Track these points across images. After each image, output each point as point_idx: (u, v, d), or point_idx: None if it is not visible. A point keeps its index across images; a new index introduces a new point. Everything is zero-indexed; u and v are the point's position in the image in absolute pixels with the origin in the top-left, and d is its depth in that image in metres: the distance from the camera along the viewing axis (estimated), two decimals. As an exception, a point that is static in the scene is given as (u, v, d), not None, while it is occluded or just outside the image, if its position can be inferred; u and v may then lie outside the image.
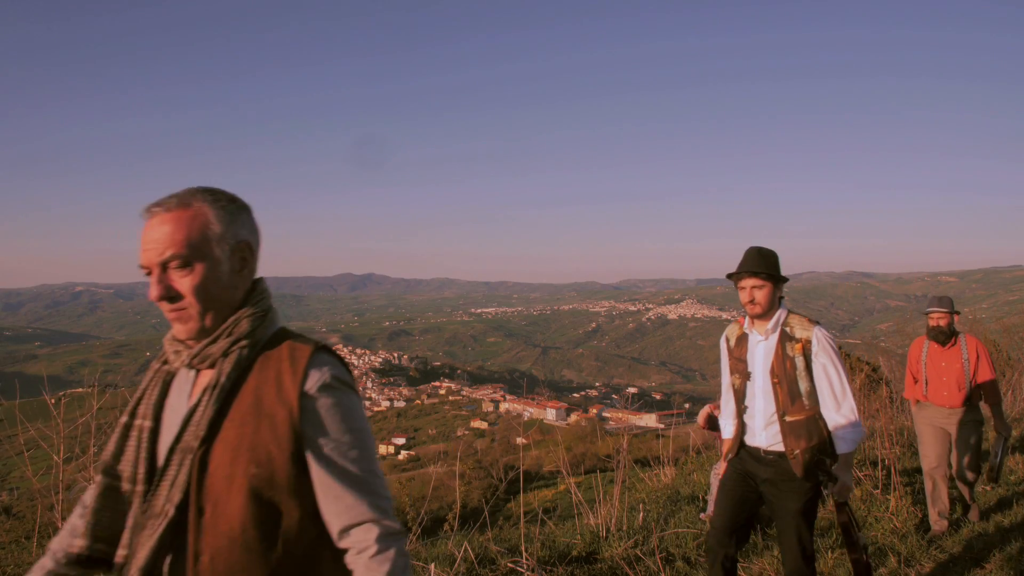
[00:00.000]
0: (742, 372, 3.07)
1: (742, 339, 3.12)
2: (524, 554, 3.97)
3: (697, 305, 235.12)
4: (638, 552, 4.16)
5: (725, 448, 3.22)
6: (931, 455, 4.77)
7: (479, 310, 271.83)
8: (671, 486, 6.87)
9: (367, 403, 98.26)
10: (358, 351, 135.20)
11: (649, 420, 53.93)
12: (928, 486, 4.80)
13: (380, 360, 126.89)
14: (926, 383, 4.86)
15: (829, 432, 2.89)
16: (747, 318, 3.09)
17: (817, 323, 2.98)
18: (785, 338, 2.95)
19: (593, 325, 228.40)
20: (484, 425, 72.38)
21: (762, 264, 2.93)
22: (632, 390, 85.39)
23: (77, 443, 3.74)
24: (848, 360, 12.43)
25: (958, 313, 4.83)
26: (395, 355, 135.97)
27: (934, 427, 4.80)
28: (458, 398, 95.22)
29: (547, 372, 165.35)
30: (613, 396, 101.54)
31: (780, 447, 2.91)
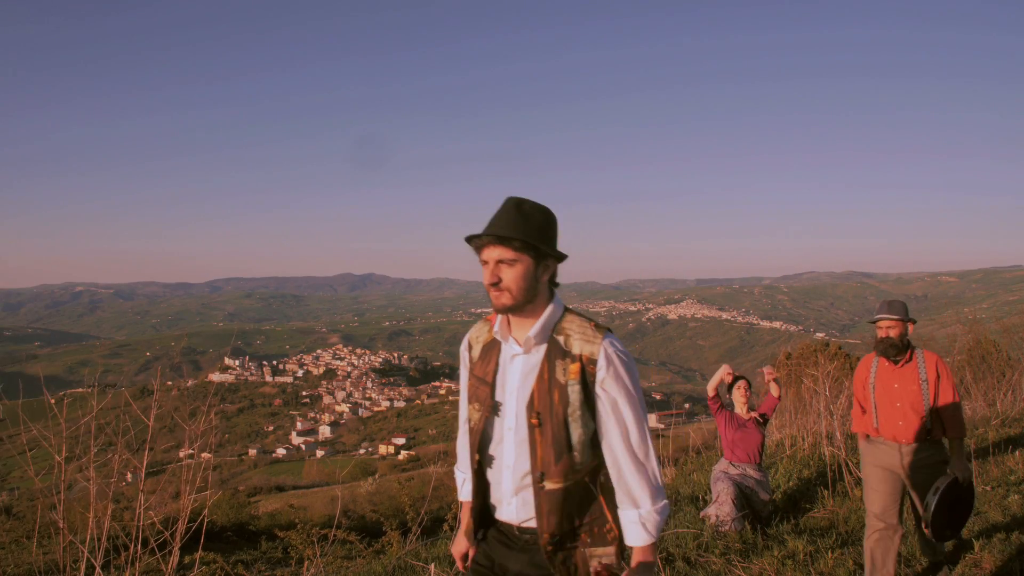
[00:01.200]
0: (484, 401, 1.88)
1: (491, 348, 1.92)
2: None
3: (697, 305, 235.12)
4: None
5: (463, 519, 2.05)
6: (876, 501, 3.74)
7: (479, 310, 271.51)
8: (671, 486, 6.87)
9: (367, 403, 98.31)
10: (358, 351, 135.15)
11: (649, 420, 53.85)
12: (867, 545, 3.73)
13: (380, 360, 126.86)
14: (875, 411, 3.81)
15: (615, 513, 1.83)
16: (499, 316, 1.88)
17: (608, 331, 1.81)
18: (555, 353, 1.79)
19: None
20: (484, 425, 72.14)
21: (517, 226, 1.74)
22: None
23: (78, 443, 3.75)
24: (848, 361, 12.43)
25: (913, 321, 3.77)
26: (395, 355, 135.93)
27: (883, 469, 3.75)
28: (458, 398, 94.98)
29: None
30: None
31: (535, 524, 1.82)
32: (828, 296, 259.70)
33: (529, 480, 1.81)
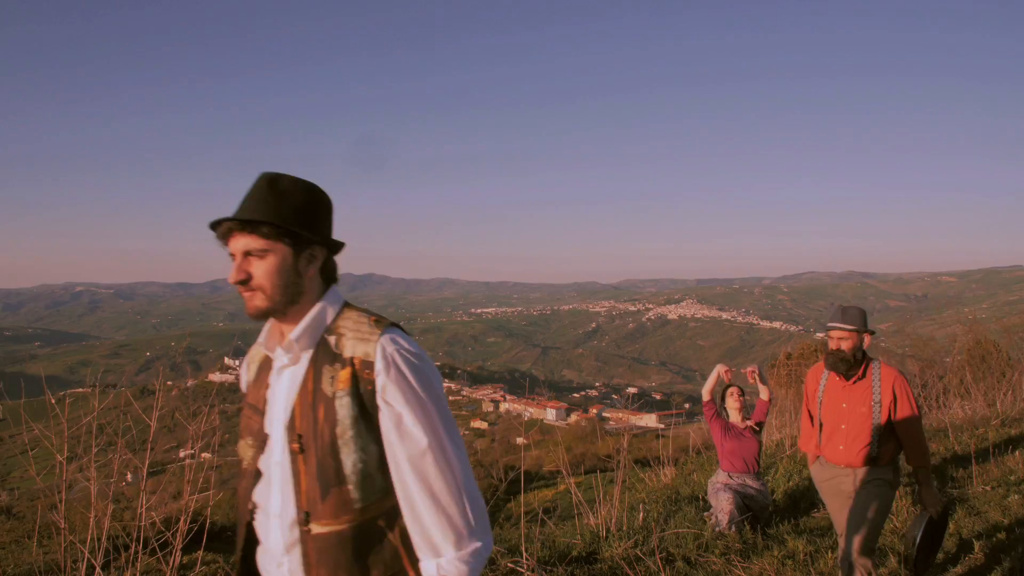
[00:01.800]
0: (257, 433, 1.47)
1: (264, 366, 1.52)
2: (524, 554, 3.97)
3: (697, 305, 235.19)
4: (638, 552, 4.17)
5: None
6: (840, 523, 3.43)
7: (479, 310, 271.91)
8: (671, 486, 6.88)
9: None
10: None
11: (649, 420, 53.94)
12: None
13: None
14: (820, 430, 3.48)
15: (415, 563, 1.37)
16: (266, 324, 1.51)
17: (392, 326, 1.40)
18: (323, 358, 1.38)
19: (593, 325, 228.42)
20: (484, 425, 72.35)
21: (268, 207, 1.37)
22: (632, 390, 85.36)
23: (79, 443, 3.75)
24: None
25: (872, 333, 3.35)
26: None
27: (834, 495, 3.43)
28: (458, 398, 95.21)
29: (547, 372, 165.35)
30: (613, 396, 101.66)
31: None
32: (828, 296, 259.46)
33: (295, 526, 1.36)
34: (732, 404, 5.18)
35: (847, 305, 3.42)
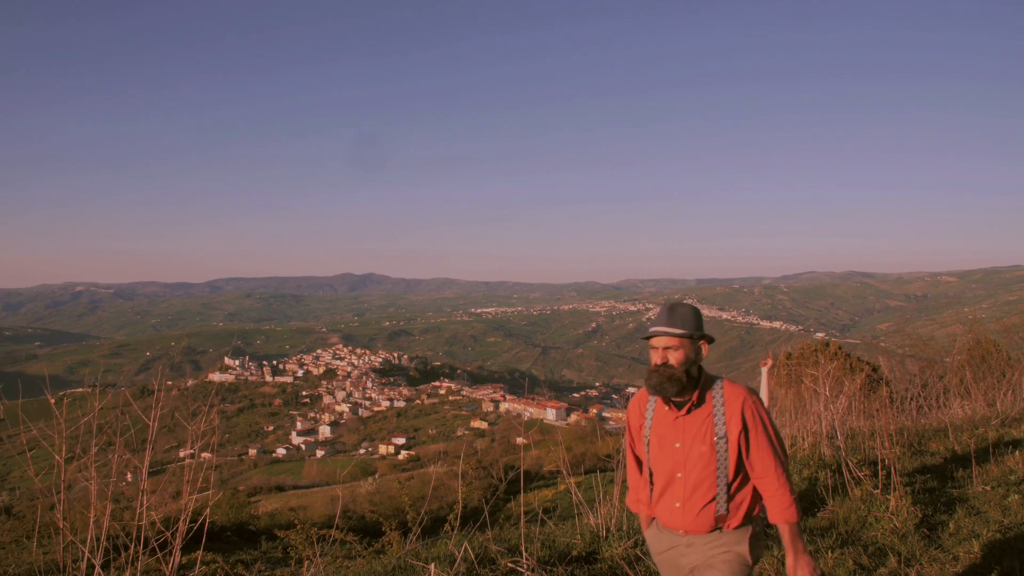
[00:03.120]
0: None
1: None
2: (524, 554, 3.97)
3: (697, 305, 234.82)
4: (638, 552, 4.17)
5: None
6: None
7: (479, 310, 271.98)
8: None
9: (367, 403, 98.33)
10: (358, 351, 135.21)
11: (649, 420, 53.91)
12: None
13: (380, 360, 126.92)
14: (651, 481, 2.51)
15: None
16: None
17: None
18: None
19: (593, 325, 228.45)
20: (484, 425, 72.45)
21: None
22: (632, 390, 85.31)
23: (78, 443, 3.75)
24: (848, 360, 12.44)
25: (709, 340, 2.45)
26: (395, 355, 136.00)
27: (681, 571, 2.48)
28: (458, 398, 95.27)
29: (547, 372, 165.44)
30: (613, 396, 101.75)
31: None
32: (828, 296, 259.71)
33: None
34: None
35: (676, 302, 2.49)
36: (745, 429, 2.36)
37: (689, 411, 2.40)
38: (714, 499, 2.37)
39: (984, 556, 4.18)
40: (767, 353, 5.27)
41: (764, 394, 5.20)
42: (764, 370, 5.27)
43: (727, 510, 2.38)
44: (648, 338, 2.41)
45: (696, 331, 2.39)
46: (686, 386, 2.36)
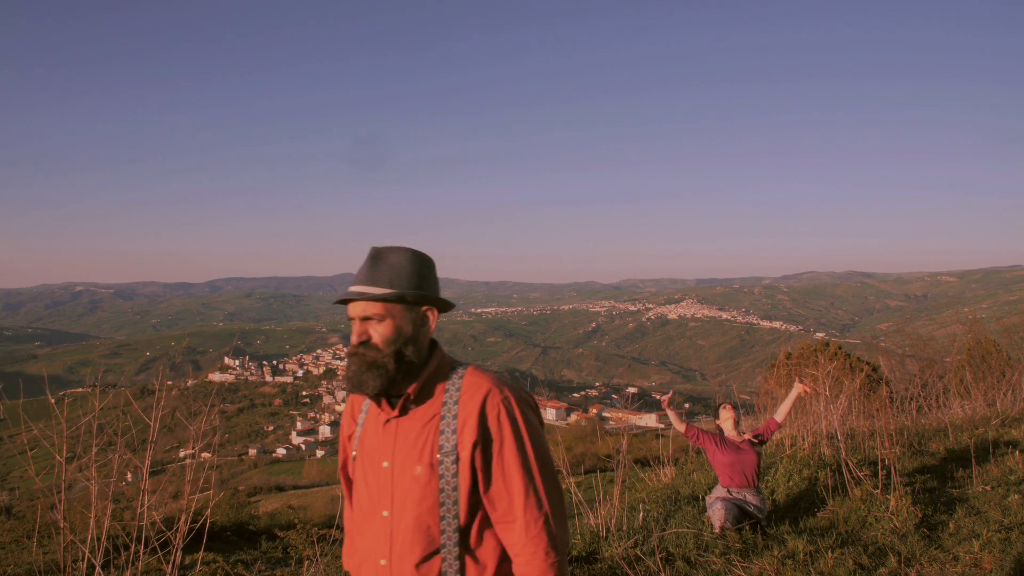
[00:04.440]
0: None
1: None
2: (524, 554, 3.97)
3: (697, 305, 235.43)
4: (638, 552, 4.17)
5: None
6: None
7: (479, 310, 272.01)
8: (671, 486, 6.88)
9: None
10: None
11: (649, 420, 54.01)
12: None
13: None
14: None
15: None
16: None
17: None
18: None
19: (593, 325, 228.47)
20: (484, 425, 72.26)
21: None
22: (632, 390, 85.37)
23: (79, 443, 3.75)
24: (848, 360, 12.44)
25: (440, 304, 1.61)
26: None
27: None
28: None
29: (547, 372, 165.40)
30: (613, 396, 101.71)
31: None
32: (828, 296, 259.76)
33: None
34: (724, 416, 5.13)
35: (386, 247, 1.56)
36: (484, 441, 1.46)
37: (404, 411, 1.53)
38: (437, 553, 1.46)
39: (984, 556, 4.18)
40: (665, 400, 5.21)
41: (782, 414, 5.17)
42: (797, 385, 5.17)
43: (460, 566, 1.47)
44: (342, 302, 1.54)
45: (412, 290, 1.50)
46: (398, 376, 1.50)
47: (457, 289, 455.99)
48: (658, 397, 5.29)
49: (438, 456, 1.49)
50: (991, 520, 4.86)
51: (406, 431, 1.54)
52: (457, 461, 1.48)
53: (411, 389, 1.54)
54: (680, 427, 5.04)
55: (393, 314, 1.52)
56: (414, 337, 1.54)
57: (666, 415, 5.37)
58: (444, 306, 1.62)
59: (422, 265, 1.57)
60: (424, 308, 1.57)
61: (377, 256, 1.55)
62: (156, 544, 3.66)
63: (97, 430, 3.74)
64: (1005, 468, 6.20)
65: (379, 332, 1.51)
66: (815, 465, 6.57)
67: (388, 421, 1.56)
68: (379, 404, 1.57)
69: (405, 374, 1.53)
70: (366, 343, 1.51)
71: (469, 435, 1.48)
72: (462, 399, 1.52)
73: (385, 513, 1.52)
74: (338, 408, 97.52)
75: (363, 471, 1.59)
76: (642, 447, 17.37)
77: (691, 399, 79.39)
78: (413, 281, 1.54)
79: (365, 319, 1.52)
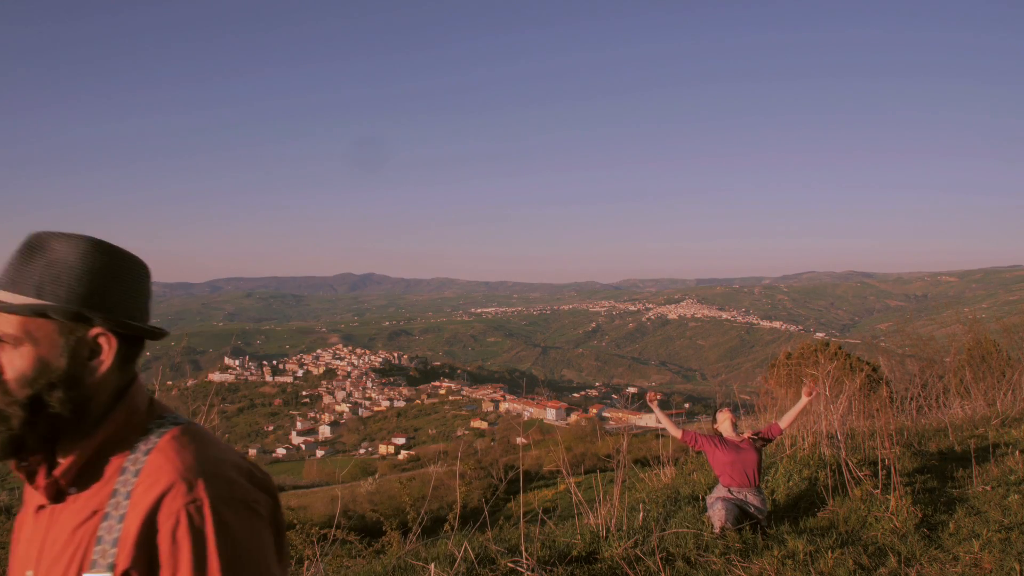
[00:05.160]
0: None
1: None
2: (524, 554, 3.97)
3: (697, 305, 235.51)
4: (638, 552, 4.17)
5: None
6: None
7: (479, 310, 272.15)
8: (671, 486, 6.88)
9: (367, 403, 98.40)
10: (358, 351, 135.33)
11: (649, 420, 53.96)
12: None
13: (380, 360, 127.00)
14: None
15: None
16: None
17: None
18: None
19: (593, 325, 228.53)
20: (484, 425, 72.51)
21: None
22: (632, 390, 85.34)
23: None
24: (848, 360, 12.44)
25: (123, 321, 1.01)
26: (395, 355, 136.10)
27: None
28: (458, 398, 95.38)
29: (547, 372, 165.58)
30: (613, 396, 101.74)
31: None
32: (828, 296, 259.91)
33: None
34: (722, 419, 5.14)
35: (51, 232, 1.01)
36: (145, 570, 0.92)
37: (59, 496, 0.99)
38: None
39: (984, 556, 4.18)
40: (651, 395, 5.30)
41: (787, 421, 5.20)
42: (805, 398, 5.19)
43: None
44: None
45: (72, 302, 0.98)
46: (30, 439, 0.97)
47: (457, 289, 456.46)
48: (648, 398, 5.31)
49: (85, 572, 0.92)
50: (991, 520, 4.86)
51: (60, 529, 0.97)
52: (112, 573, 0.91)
53: (65, 464, 0.97)
54: (676, 433, 5.07)
55: (35, 337, 0.96)
56: (70, 376, 0.97)
57: (666, 415, 5.37)
58: (142, 332, 1.03)
59: (104, 266, 1.00)
60: (94, 332, 0.99)
61: (33, 246, 1.00)
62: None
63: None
64: (1005, 468, 6.20)
65: (11, 363, 0.95)
66: (815, 465, 6.57)
67: (39, 510, 1.02)
68: (28, 478, 1.00)
69: (46, 437, 0.96)
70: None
71: (126, 557, 0.91)
72: (136, 491, 0.94)
73: None
74: (338, 408, 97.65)
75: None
76: (642, 447, 17.38)
77: (691, 399, 79.44)
78: (77, 289, 0.97)
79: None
